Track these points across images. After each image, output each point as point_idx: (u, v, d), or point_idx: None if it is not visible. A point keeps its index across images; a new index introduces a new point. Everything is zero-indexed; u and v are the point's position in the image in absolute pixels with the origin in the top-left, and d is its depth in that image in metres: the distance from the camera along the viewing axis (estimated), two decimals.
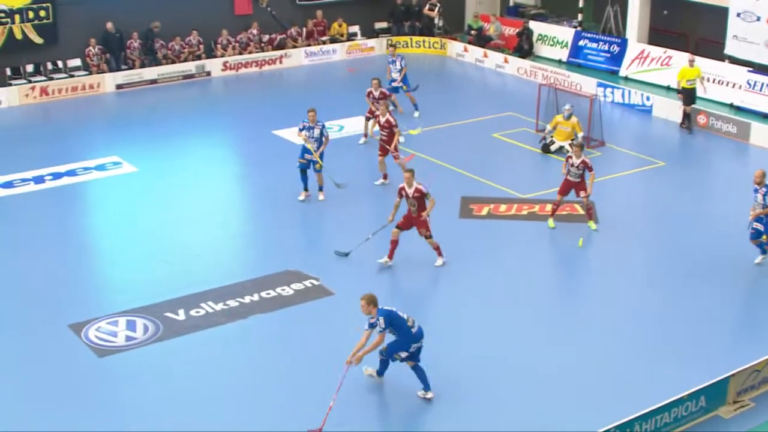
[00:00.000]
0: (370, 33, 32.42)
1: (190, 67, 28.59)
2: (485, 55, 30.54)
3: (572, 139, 21.36)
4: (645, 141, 23.91)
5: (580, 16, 30.89)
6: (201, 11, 29.04)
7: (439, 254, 16.31)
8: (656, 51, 27.52)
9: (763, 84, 24.48)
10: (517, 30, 30.80)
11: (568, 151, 20.05)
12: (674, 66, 26.15)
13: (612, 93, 26.43)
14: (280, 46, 30.34)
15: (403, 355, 12.31)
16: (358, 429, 11.99)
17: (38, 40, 26.68)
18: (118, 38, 27.65)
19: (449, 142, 22.90)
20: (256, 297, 15.21)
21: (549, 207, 18.23)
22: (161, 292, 15.26)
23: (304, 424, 11.71)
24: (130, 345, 13.86)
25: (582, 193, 17.66)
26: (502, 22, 31.96)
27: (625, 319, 14.79)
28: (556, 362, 13.44)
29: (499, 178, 20.31)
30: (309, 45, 30.79)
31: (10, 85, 26.24)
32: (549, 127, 22.21)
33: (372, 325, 12.05)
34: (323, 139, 18.81)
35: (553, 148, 21.95)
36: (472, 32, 31.76)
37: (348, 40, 31.65)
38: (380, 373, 12.81)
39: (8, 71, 26.49)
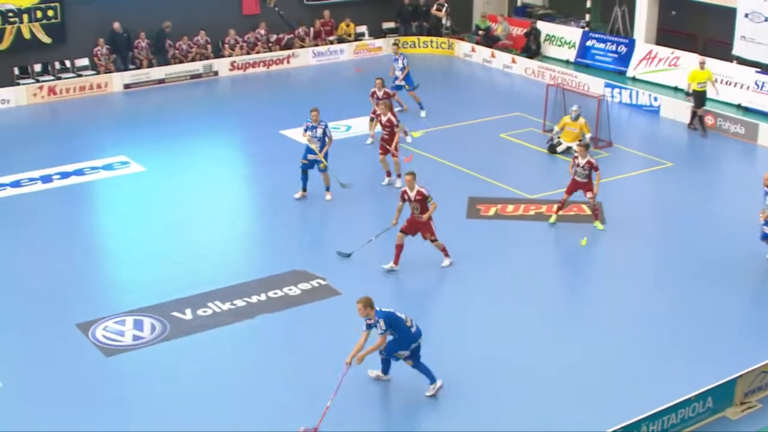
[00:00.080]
0: (377, 33, 32.40)
1: (198, 66, 28.62)
2: (493, 56, 30.50)
3: (580, 140, 21.33)
4: (653, 141, 23.86)
5: (587, 17, 30.83)
6: (209, 11, 29.07)
7: (446, 255, 16.29)
8: (664, 51, 27.44)
9: None
10: (525, 30, 30.74)
11: (575, 152, 20.01)
12: (682, 67, 26.11)
13: (620, 93, 26.38)
14: (288, 46, 30.36)
15: (404, 354, 12.36)
16: (358, 429, 12.00)
17: (46, 39, 26.72)
18: (126, 38, 27.69)
19: (456, 142, 22.89)
20: (263, 296, 15.22)
21: (555, 207, 18.24)
22: (168, 292, 15.29)
23: (311, 423, 11.70)
24: (138, 344, 13.88)
25: (588, 194, 17.65)
26: (509, 23, 31.93)
27: (633, 320, 14.77)
28: (564, 362, 13.43)
29: (507, 179, 20.29)
30: (316, 45, 30.79)
31: (19, 84, 26.30)
32: (557, 128, 22.17)
33: (369, 327, 12.10)
34: (326, 139, 18.79)
35: (559, 149, 21.92)
36: (480, 32, 31.71)
37: (355, 40, 31.64)
38: (385, 372, 12.84)
39: (16, 71, 26.54)
